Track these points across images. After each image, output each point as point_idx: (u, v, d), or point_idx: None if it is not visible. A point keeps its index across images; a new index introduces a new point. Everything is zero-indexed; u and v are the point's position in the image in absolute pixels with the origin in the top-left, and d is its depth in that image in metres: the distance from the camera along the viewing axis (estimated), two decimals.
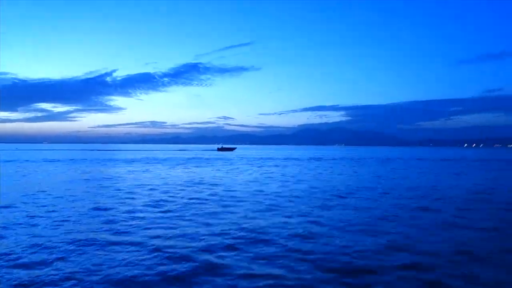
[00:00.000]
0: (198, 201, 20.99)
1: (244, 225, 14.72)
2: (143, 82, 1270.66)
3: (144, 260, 10.40)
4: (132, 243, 12.02)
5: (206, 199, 21.56)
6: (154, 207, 18.93)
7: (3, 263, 9.94)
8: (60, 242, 11.98)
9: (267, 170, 46.56)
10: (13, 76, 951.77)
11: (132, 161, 69.21)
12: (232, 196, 22.81)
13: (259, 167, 53.46)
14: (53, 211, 17.53)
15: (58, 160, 68.64)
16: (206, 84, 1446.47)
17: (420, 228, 14.45)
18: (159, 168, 49.47)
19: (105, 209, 18.00)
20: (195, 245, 11.94)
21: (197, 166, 53.43)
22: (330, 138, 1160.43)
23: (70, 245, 11.69)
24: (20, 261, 10.15)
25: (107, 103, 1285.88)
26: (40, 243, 11.88)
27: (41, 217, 16.05)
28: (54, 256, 10.63)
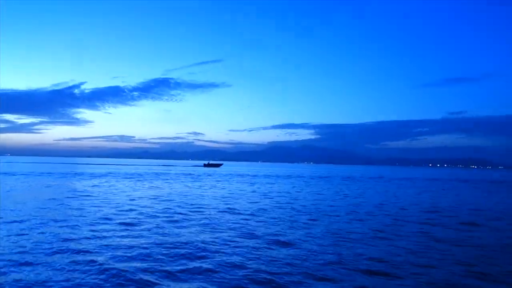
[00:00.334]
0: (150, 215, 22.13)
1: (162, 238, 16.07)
2: (112, 95, 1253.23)
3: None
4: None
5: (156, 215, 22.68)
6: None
7: None
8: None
9: (239, 188, 47.84)
10: None
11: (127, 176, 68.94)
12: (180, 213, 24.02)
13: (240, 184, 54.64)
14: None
15: (18, 174, 67.71)
16: (176, 100, 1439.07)
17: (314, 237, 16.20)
18: (139, 184, 49.76)
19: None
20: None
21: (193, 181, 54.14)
22: (299, 155, 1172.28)
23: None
24: None
25: (74, 115, 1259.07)
26: None
27: None
28: None
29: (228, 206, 27.52)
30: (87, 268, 11.51)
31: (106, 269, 11.34)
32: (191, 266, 11.96)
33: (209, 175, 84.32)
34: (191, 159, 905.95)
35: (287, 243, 15.50)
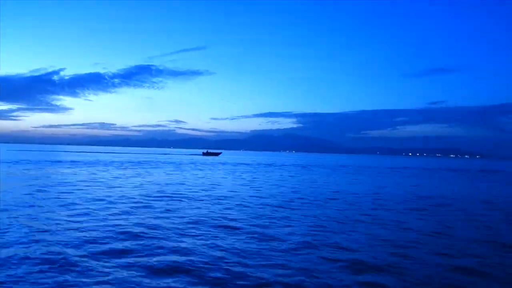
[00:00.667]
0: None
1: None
2: (92, 82, 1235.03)
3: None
4: None
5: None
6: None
7: None
8: None
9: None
10: None
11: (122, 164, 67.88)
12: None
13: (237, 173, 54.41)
14: None
15: None
16: (158, 87, 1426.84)
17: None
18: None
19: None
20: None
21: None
22: (281, 144, 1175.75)
23: None
24: None
25: (53, 102, 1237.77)
26: None
27: None
28: None
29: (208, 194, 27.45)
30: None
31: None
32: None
33: (209, 164, 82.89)
34: (173, 147, 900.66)
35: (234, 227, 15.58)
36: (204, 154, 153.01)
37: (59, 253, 11.19)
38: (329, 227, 16.51)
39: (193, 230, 15.01)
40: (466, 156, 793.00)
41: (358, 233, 15.38)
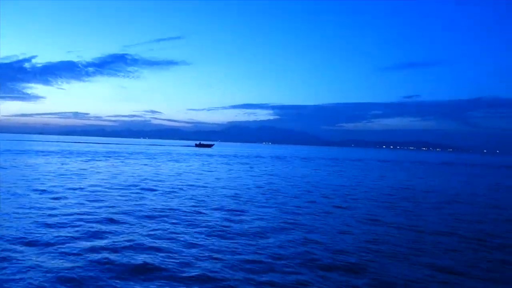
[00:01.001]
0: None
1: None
2: (65, 70, 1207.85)
3: None
4: None
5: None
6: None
7: None
8: None
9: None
10: None
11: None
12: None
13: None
14: None
15: None
16: (133, 76, 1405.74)
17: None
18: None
19: None
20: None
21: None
22: (258, 136, 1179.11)
23: None
24: None
25: (24, 90, 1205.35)
26: None
27: None
28: None
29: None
30: None
31: None
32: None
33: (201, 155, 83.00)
34: (148, 138, 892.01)
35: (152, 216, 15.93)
36: (196, 145, 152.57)
37: None
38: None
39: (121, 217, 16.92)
40: (438, 149, 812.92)
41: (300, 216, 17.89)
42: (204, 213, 16.45)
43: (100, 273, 9.14)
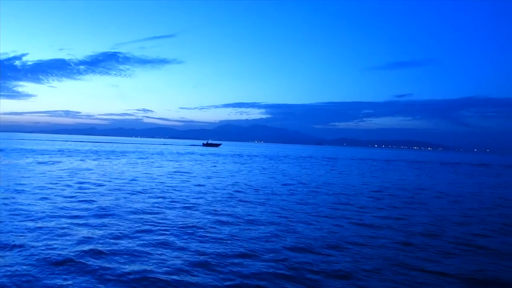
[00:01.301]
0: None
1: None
2: (57, 68, 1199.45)
3: None
4: None
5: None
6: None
7: None
8: None
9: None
10: None
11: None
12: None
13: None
14: None
15: None
16: (125, 75, 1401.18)
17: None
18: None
19: None
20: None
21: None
22: (250, 134, 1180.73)
23: None
24: None
25: (15, 89, 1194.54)
26: None
27: None
28: None
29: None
30: None
31: None
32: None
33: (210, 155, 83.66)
34: (140, 137, 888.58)
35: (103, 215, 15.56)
36: (204, 145, 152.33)
37: None
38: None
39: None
40: (429, 148, 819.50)
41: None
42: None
43: None
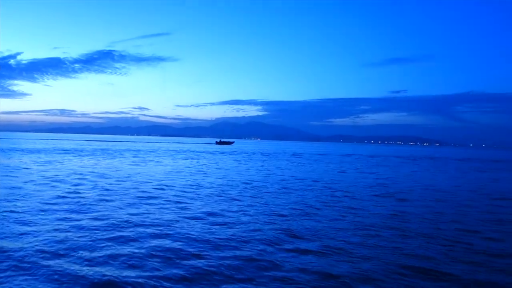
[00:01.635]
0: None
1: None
2: (52, 67, 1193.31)
3: None
4: None
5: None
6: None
7: None
8: None
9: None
10: None
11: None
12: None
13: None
14: None
15: None
16: (121, 73, 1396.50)
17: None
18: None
19: None
20: None
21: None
22: (246, 132, 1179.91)
23: None
24: None
25: (10, 88, 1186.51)
26: None
27: None
28: None
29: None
30: None
31: None
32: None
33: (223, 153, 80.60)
34: (136, 135, 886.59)
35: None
36: (217, 143, 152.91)
37: None
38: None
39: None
40: (425, 144, 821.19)
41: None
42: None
43: None
